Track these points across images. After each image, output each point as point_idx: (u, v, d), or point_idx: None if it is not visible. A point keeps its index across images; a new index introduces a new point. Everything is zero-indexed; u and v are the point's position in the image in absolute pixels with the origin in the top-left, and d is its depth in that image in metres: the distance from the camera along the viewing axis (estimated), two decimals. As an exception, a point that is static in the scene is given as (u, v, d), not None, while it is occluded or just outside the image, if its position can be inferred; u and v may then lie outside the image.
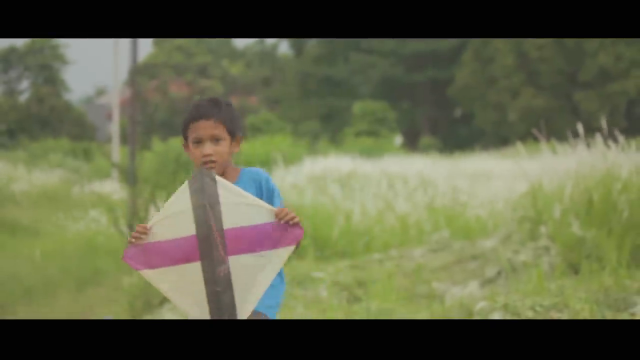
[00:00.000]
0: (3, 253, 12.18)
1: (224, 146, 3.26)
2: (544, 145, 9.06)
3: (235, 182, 3.25)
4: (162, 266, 3.12)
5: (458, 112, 50.18)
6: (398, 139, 34.98)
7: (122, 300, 8.41)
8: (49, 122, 44.12)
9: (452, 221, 10.61)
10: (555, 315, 5.22)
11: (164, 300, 7.84)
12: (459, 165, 19.73)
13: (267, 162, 16.61)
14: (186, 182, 3.15)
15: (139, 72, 16.25)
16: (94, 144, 37.11)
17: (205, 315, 3.11)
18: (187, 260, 3.10)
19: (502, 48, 42.05)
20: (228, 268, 3.09)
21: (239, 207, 3.11)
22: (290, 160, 18.28)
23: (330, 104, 49.86)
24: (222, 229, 3.10)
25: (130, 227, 10.38)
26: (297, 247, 3.21)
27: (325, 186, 12.59)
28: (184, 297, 3.13)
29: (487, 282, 7.58)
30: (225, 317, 3.10)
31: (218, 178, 3.13)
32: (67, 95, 49.87)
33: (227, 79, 53.89)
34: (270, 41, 60.02)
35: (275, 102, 53.17)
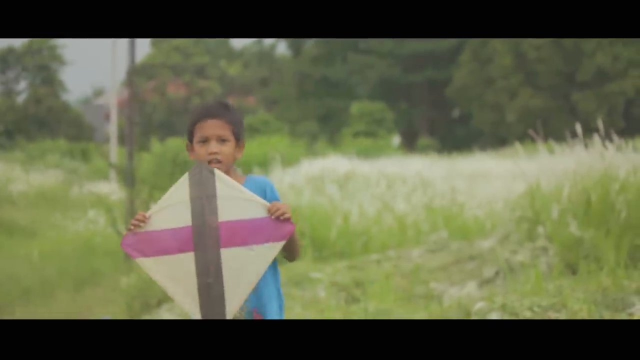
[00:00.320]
0: (0, 254, 12.19)
1: (229, 147, 3.30)
2: (541, 146, 9.06)
3: None
4: (158, 255, 3.17)
5: (456, 113, 50.19)
6: (396, 140, 35.00)
7: (119, 301, 8.42)
8: (47, 122, 44.10)
9: (450, 221, 10.61)
10: (553, 316, 5.21)
11: (161, 301, 7.84)
12: (457, 166, 19.73)
13: (264, 163, 16.61)
14: (186, 174, 3.20)
15: (136, 73, 16.23)
16: (91, 145, 37.11)
17: (196, 306, 3.15)
18: (182, 250, 3.16)
19: (499, 48, 42.07)
20: (220, 260, 3.14)
21: (234, 201, 3.17)
22: (288, 160, 18.27)
23: (328, 104, 49.86)
24: (217, 222, 3.15)
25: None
26: (295, 250, 3.31)
27: (323, 187, 12.59)
28: (177, 287, 3.17)
29: (485, 282, 7.58)
30: (214, 309, 3.14)
31: (216, 171, 3.18)
32: (64, 95, 49.89)
33: (225, 80, 53.90)
34: (268, 42, 60.06)
35: (273, 102, 53.19)
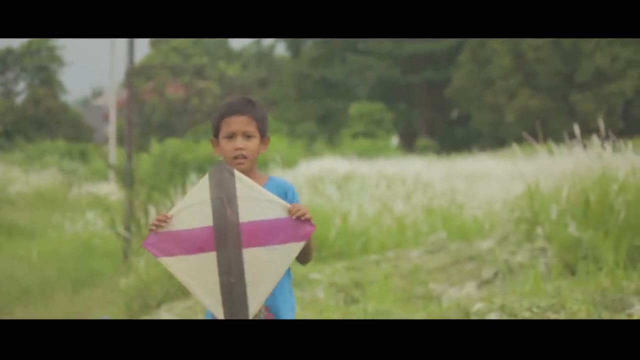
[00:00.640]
0: (0, 254, 12.18)
1: (255, 143, 3.38)
2: (540, 147, 9.06)
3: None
4: (180, 254, 3.22)
5: (455, 114, 50.19)
6: (394, 140, 34.98)
7: (118, 302, 8.42)
8: (46, 123, 44.07)
9: (449, 222, 10.62)
10: (552, 316, 5.22)
11: (161, 302, 7.84)
12: (456, 167, 19.74)
13: (263, 163, 16.61)
14: (206, 175, 3.25)
15: (135, 74, 16.24)
16: (90, 146, 37.10)
17: (219, 305, 3.19)
18: (203, 250, 3.20)
19: (498, 49, 42.06)
20: (242, 260, 3.19)
21: (254, 202, 3.22)
22: (287, 161, 18.27)
23: (327, 105, 49.84)
24: (238, 222, 3.20)
25: (127, 229, 10.38)
26: (309, 252, 3.37)
27: (322, 188, 12.59)
28: (199, 286, 3.21)
29: (484, 283, 7.58)
30: (237, 308, 3.18)
31: (236, 173, 3.24)
32: (63, 96, 49.84)
33: (224, 80, 53.86)
34: (267, 42, 60.03)
35: (272, 103, 53.16)
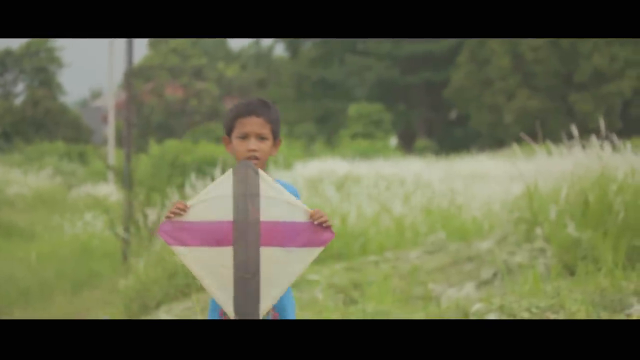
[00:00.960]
0: (-1, 256, 12.18)
1: (267, 145, 3.39)
2: (539, 147, 9.06)
3: None
4: (195, 245, 3.21)
5: (453, 114, 50.21)
6: (393, 141, 34.99)
7: (117, 303, 8.41)
8: (44, 124, 44.07)
9: (448, 223, 10.61)
10: (551, 317, 5.22)
11: (160, 303, 7.84)
12: (455, 167, 19.74)
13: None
14: (230, 170, 3.26)
15: (134, 75, 16.25)
16: (89, 147, 37.08)
17: (230, 299, 3.19)
18: (220, 243, 3.20)
19: (497, 49, 42.08)
20: (259, 257, 3.20)
21: (276, 202, 3.23)
22: (286, 162, 18.27)
23: (326, 106, 49.87)
24: (259, 220, 3.21)
25: (126, 230, 10.37)
26: None
27: (320, 188, 12.59)
28: (212, 279, 3.21)
29: (483, 283, 7.58)
30: (248, 305, 3.18)
31: (260, 172, 3.25)
32: (62, 98, 49.84)
33: (223, 81, 53.89)
34: (265, 43, 60.08)
35: (271, 104, 53.11)
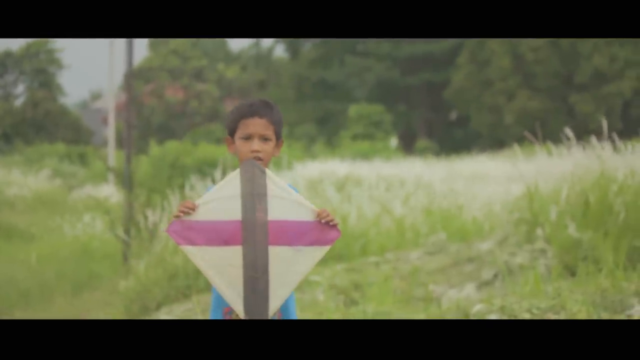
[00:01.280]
0: (-1, 257, 12.17)
1: (270, 146, 3.41)
2: (539, 148, 9.06)
3: None
4: (204, 245, 3.22)
5: (454, 115, 50.22)
6: (393, 142, 34.99)
7: (118, 304, 8.41)
8: (45, 126, 44.07)
9: (449, 224, 10.61)
10: (552, 318, 5.22)
11: (160, 304, 7.83)
12: (455, 168, 19.75)
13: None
14: (238, 170, 3.28)
15: (134, 76, 16.24)
16: (89, 148, 37.06)
17: (239, 298, 3.19)
18: (228, 243, 3.21)
19: (497, 50, 42.08)
20: (267, 256, 3.21)
21: (283, 202, 3.26)
22: (286, 163, 18.26)
23: (326, 107, 49.88)
24: (267, 219, 3.23)
25: (127, 231, 10.37)
26: None
27: (321, 189, 12.59)
28: (220, 278, 3.21)
29: (483, 284, 7.58)
30: (258, 304, 3.18)
31: (267, 171, 3.27)
32: (62, 99, 49.85)
33: (223, 83, 53.88)
34: (265, 44, 60.18)
35: (271, 105, 53.08)
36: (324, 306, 6.81)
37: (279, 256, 3.21)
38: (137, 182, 11.68)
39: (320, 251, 3.26)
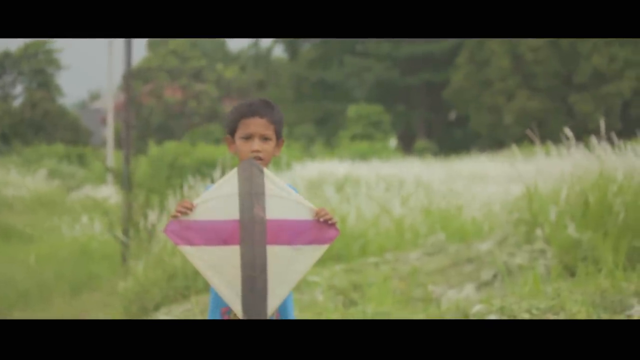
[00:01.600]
0: (-2, 258, 12.16)
1: (271, 146, 3.40)
2: (539, 148, 9.05)
3: None
4: (202, 244, 3.21)
5: (453, 115, 50.22)
6: (392, 142, 34.99)
7: (117, 305, 8.40)
8: (43, 126, 44.06)
9: (448, 224, 10.60)
10: (551, 318, 5.21)
11: (159, 305, 7.82)
12: (454, 168, 19.76)
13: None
14: (235, 169, 3.26)
15: (133, 77, 16.23)
16: (88, 149, 37.07)
17: (237, 298, 3.18)
18: (226, 242, 3.20)
19: (497, 50, 42.10)
20: (265, 255, 3.20)
21: (282, 201, 3.24)
22: (285, 163, 18.27)
23: (325, 107, 49.89)
24: (265, 218, 3.21)
25: (126, 232, 10.36)
26: None
27: (320, 190, 12.58)
28: (219, 278, 3.20)
29: (483, 285, 7.57)
30: (256, 303, 3.18)
31: (266, 170, 3.26)
32: (61, 100, 49.85)
33: (222, 83, 53.90)
34: (264, 44, 60.10)
35: (270, 105, 53.06)
36: (323, 307, 6.81)
37: (277, 255, 3.20)
38: (136, 182, 11.67)
39: (319, 250, 3.25)
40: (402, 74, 48.83)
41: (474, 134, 45.55)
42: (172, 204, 9.31)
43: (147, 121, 48.11)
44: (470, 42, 44.06)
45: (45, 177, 24.52)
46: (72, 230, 13.87)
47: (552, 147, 9.32)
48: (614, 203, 7.49)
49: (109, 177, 23.49)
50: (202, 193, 3.41)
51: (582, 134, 8.55)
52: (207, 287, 7.25)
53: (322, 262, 9.00)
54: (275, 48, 60.23)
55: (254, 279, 3.17)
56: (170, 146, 17.41)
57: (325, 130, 47.26)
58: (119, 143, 31.11)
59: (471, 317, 5.53)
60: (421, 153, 34.48)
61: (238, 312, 3.17)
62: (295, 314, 3.49)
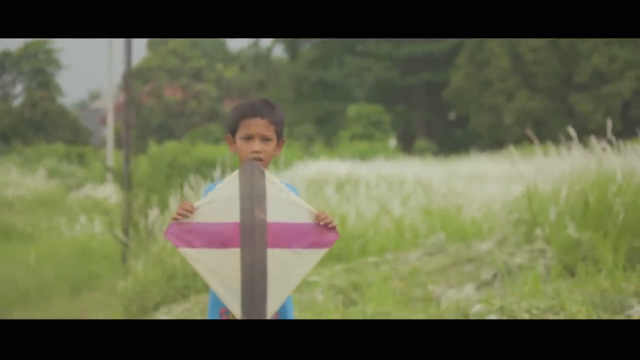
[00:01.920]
0: (-2, 258, 12.16)
1: (271, 146, 3.39)
2: (538, 148, 9.06)
3: None
4: (202, 247, 3.20)
5: (453, 115, 50.22)
6: (392, 142, 34.99)
7: (116, 305, 8.40)
8: (43, 126, 44.07)
9: (448, 224, 10.60)
10: (551, 318, 5.21)
11: (159, 305, 7.82)
12: (454, 168, 19.76)
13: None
14: (236, 171, 3.26)
15: (133, 76, 16.24)
16: (88, 149, 37.06)
17: (237, 300, 3.18)
18: (226, 245, 3.19)
19: (497, 50, 42.09)
20: (266, 258, 3.19)
21: (282, 204, 3.24)
22: (285, 163, 18.26)
23: (325, 107, 49.89)
24: (265, 221, 3.21)
25: (125, 232, 10.36)
26: None
27: (320, 190, 12.57)
28: (218, 281, 3.20)
29: (483, 285, 7.57)
30: (255, 306, 3.17)
31: (267, 173, 3.25)
32: (61, 99, 49.87)
33: (222, 83, 53.90)
34: (264, 44, 60.09)
35: (270, 105, 53.03)
36: (323, 306, 6.81)
37: (277, 258, 3.19)
38: (136, 182, 11.67)
39: (318, 254, 3.25)
40: (402, 74, 48.82)
41: (474, 134, 45.55)
42: (172, 203, 9.30)
43: (147, 121, 48.11)
44: (470, 42, 44.05)
45: (45, 176, 24.53)
46: (72, 230, 13.87)
47: (552, 147, 9.32)
48: (613, 203, 7.49)
49: (109, 177, 23.49)
50: (201, 196, 3.41)
51: (582, 134, 8.54)
52: (206, 287, 7.25)
53: (322, 261, 8.92)
54: (275, 48, 60.30)
55: (253, 282, 3.17)
56: (170, 146, 17.39)
57: (325, 130, 47.25)
58: (118, 143, 31.11)
59: (471, 317, 5.54)
60: (421, 153, 34.47)
61: (237, 315, 3.17)
62: (295, 314, 3.49)
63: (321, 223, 3.24)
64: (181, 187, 10.65)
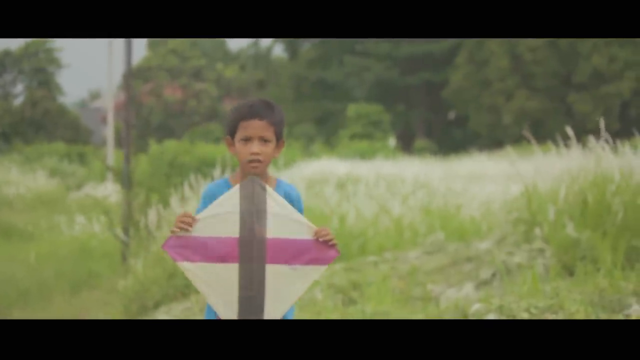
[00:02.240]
0: (-2, 257, 12.18)
1: (270, 148, 3.34)
2: (536, 147, 9.07)
3: None
4: (200, 261, 3.19)
5: (452, 115, 50.21)
6: (392, 142, 34.97)
7: (116, 303, 8.41)
8: (43, 125, 44.06)
9: (447, 223, 10.61)
10: (550, 317, 5.22)
11: (159, 303, 7.84)
12: (454, 168, 19.76)
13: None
14: (237, 186, 3.23)
15: (133, 76, 16.24)
16: (88, 148, 37.05)
17: (234, 316, 3.18)
18: (225, 260, 3.19)
19: (496, 50, 42.08)
20: (264, 275, 3.18)
21: (283, 219, 3.22)
22: (284, 163, 18.27)
23: (325, 106, 49.85)
24: (265, 237, 3.19)
25: (125, 231, 10.37)
26: None
27: (319, 189, 12.58)
28: (216, 295, 3.20)
29: (482, 284, 7.58)
30: (253, 320, 3.17)
31: (268, 188, 3.23)
32: (61, 98, 49.84)
33: (222, 82, 53.89)
34: (264, 44, 60.03)
35: (270, 105, 52.99)
36: (322, 305, 6.82)
37: (276, 274, 3.19)
38: (136, 181, 11.68)
39: (317, 271, 3.23)
40: (402, 74, 48.80)
41: (473, 133, 45.53)
42: (172, 203, 9.31)
43: (147, 120, 48.10)
44: (469, 42, 44.04)
45: (45, 175, 24.54)
46: (72, 229, 13.88)
47: (551, 147, 9.33)
48: (612, 202, 7.50)
49: (109, 176, 23.49)
50: (201, 196, 3.40)
51: (581, 134, 8.55)
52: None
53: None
54: (275, 48, 60.24)
55: (251, 297, 3.17)
56: (170, 145, 17.41)
57: (325, 129, 47.23)
58: (119, 142, 31.11)
59: (470, 316, 5.55)
60: (420, 152, 34.48)
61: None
62: (294, 313, 3.49)
63: (321, 239, 3.22)
64: (181, 186, 10.67)
